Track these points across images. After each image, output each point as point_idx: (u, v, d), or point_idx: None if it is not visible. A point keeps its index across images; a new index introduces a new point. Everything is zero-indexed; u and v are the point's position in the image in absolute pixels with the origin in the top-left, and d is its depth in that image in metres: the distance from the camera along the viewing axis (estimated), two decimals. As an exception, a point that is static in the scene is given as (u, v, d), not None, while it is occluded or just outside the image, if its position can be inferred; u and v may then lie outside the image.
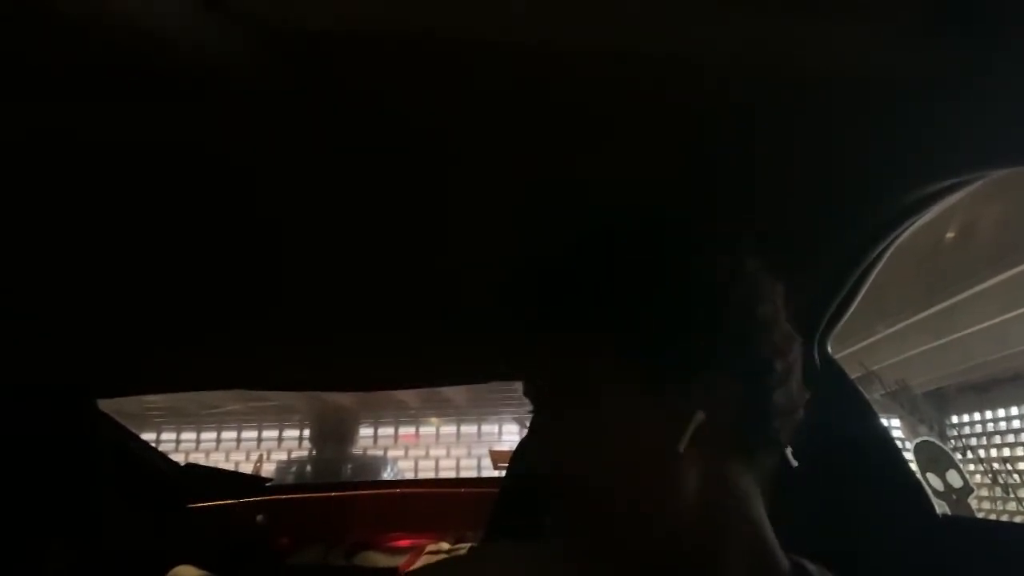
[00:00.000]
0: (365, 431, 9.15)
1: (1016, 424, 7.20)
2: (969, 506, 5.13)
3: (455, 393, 7.81)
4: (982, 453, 7.19)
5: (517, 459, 0.60)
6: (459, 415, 9.46)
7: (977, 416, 7.59)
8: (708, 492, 0.54)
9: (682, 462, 0.53)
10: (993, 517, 6.21)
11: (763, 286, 0.58)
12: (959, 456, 6.28)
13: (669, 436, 0.53)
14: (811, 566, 0.57)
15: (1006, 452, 7.20)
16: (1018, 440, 7.15)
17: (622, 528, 0.54)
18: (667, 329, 0.55)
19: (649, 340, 0.55)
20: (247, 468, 7.79)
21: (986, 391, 7.23)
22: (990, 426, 7.47)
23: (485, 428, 9.75)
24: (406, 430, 9.88)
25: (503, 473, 1.18)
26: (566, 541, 0.57)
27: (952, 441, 7.08)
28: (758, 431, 0.56)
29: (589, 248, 0.60)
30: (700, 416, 0.53)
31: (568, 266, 0.60)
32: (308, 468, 6.94)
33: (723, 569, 0.53)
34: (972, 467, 6.79)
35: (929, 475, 5.11)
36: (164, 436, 9.10)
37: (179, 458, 1.65)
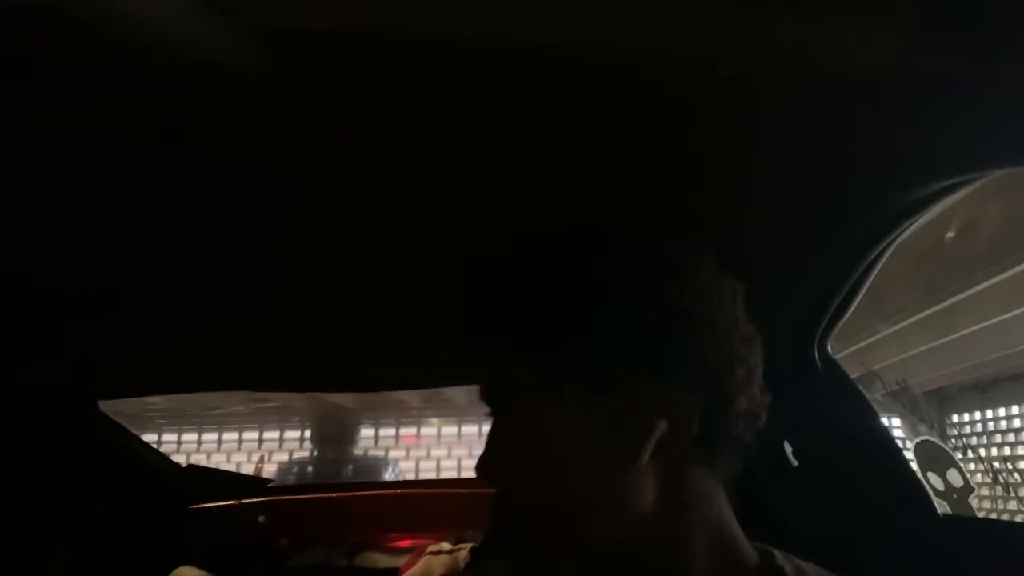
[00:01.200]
0: (366, 432, 9.16)
1: (1016, 423, 7.20)
2: (970, 505, 5.13)
3: (456, 393, 7.81)
4: (983, 452, 7.19)
5: (480, 470, 0.59)
6: (460, 415, 9.46)
7: (977, 415, 7.59)
8: (669, 497, 0.53)
9: (642, 471, 0.52)
10: (994, 516, 6.20)
11: (718, 290, 0.56)
12: (959, 455, 6.28)
13: (629, 447, 0.52)
14: (778, 554, 0.57)
15: (1007, 451, 7.20)
16: (1018, 439, 7.15)
17: (579, 539, 0.54)
18: (621, 340, 0.53)
19: (604, 351, 0.53)
20: (248, 469, 7.80)
21: (986, 390, 7.23)
22: (990, 425, 7.48)
23: (487, 428, 9.72)
24: (407, 431, 9.88)
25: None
26: (529, 553, 0.57)
27: (952, 440, 7.08)
28: (721, 438, 0.54)
29: (537, 257, 0.58)
30: (663, 426, 0.52)
31: (519, 276, 0.58)
32: (309, 469, 6.94)
33: (689, 569, 0.53)
34: (973, 466, 6.79)
35: (930, 474, 5.10)
36: (165, 437, 9.11)
37: (180, 459, 1.65)
